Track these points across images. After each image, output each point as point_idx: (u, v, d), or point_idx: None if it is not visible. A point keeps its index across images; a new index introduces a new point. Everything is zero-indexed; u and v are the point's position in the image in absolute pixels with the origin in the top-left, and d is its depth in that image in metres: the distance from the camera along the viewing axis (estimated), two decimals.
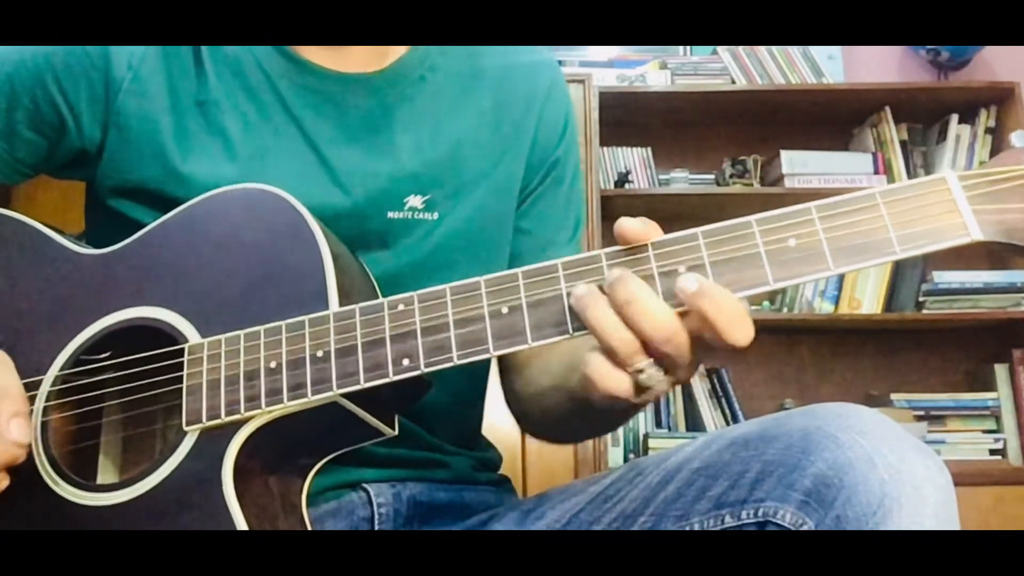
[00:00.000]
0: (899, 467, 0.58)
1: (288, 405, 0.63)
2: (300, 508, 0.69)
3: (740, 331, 0.55)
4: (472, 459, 0.88)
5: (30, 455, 0.67)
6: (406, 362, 0.61)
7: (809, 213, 0.58)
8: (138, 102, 0.78)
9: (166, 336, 0.68)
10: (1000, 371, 2.62)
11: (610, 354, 0.56)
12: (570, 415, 0.76)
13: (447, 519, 0.82)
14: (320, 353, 0.63)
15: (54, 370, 0.70)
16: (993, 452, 2.54)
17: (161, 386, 0.68)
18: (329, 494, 0.78)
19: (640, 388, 0.57)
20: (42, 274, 0.74)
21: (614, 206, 2.66)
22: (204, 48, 0.80)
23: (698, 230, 0.59)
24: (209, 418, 0.64)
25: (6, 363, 0.68)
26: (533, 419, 0.86)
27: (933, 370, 2.73)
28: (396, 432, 0.71)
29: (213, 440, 0.64)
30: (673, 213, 2.77)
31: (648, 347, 0.56)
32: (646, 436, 2.56)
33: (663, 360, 0.57)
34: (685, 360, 0.57)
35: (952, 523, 0.59)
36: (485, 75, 0.90)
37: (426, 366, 0.61)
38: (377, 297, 0.72)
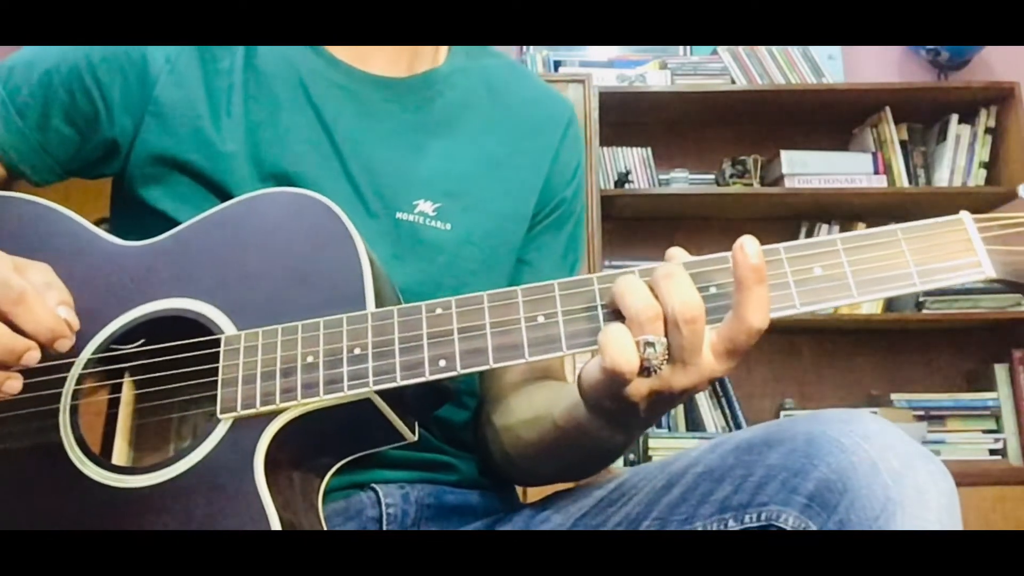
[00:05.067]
0: (902, 472, 0.58)
1: (324, 398, 0.64)
2: (317, 507, 0.70)
3: (759, 312, 0.58)
4: (478, 463, 0.88)
5: (58, 432, 0.68)
6: (442, 363, 0.63)
7: (835, 244, 0.61)
8: (176, 91, 0.81)
9: (201, 328, 0.69)
10: (1000, 371, 2.62)
11: (629, 320, 0.58)
12: (544, 448, 0.77)
13: (454, 521, 0.82)
14: (357, 351, 0.64)
15: (86, 353, 0.71)
16: (993, 452, 2.55)
17: (194, 375, 0.68)
18: (338, 493, 0.78)
19: (642, 368, 0.58)
20: (82, 264, 0.75)
21: (614, 206, 2.66)
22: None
23: (729, 255, 0.60)
24: (244, 407, 0.65)
25: (50, 269, 0.69)
26: (500, 450, 0.85)
27: (933, 370, 2.73)
28: (416, 438, 0.72)
29: (246, 429, 0.65)
30: (673, 213, 2.77)
31: (667, 324, 0.58)
32: (646, 436, 2.56)
33: (673, 344, 0.58)
34: (695, 353, 0.59)
35: (956, 526, 0.59)
36: (505, 103, 0.91)
37: (462, 368, 0.62)
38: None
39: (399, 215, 0.82)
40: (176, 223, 0.76)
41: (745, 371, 2.73)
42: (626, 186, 2.70)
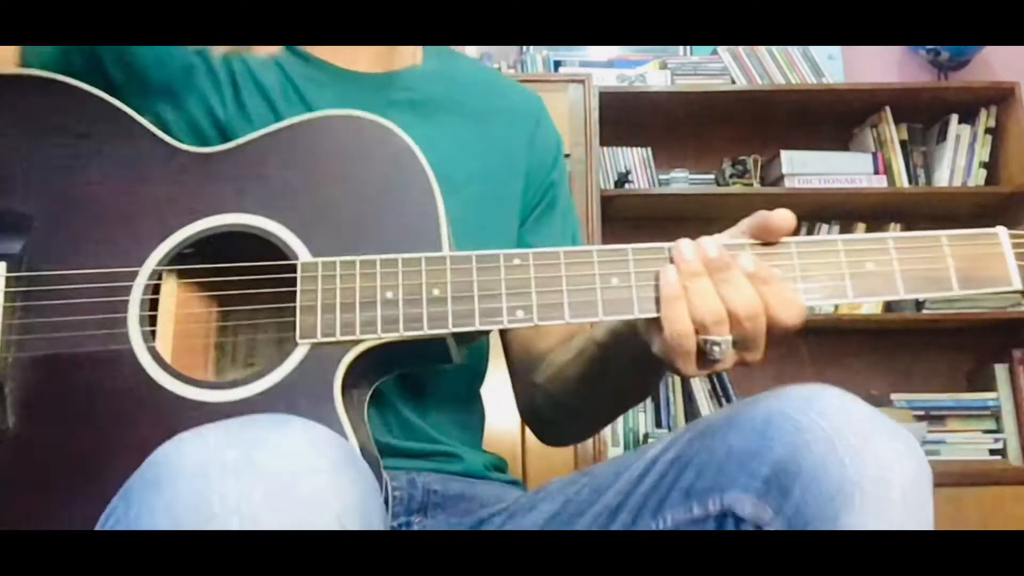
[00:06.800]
0: (862, 450, 0.56)
1: (404, 335, 0.67)
2: (365, 421, 0.71)
3: (790, 312, 0.65)
4: (483, 459, 0.90)
5: (127, 341, 0.68)
6: (520, 314, 0.66)
7: (886, 243, 0.68)
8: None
9: (268, 245, 0.70)
10: (1000, 371, 2.62)
11: (695, 320, 0.63)
12: (591, 375, 0.82)
13: (458, 509, 0.83)
14: (436, 292, 0.67)
15: (150, 264, 0.71)
16: (993, 452, 2.55)
17: (268, 298, 0.70)
18: None
19: (705, 359, 0.63)
20: (145, 167, 0.74)
21: (614, 206, 2.66)
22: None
23: (792, 240, 0.69)
24: (324, 335, 0.67)
25: None
26: (549, 403, 0.90)
27: (933, 370, 2.73)
28: (461, 361, 0.74)
29: (323, 356, 0.67)
30: (673, 213, 2.77)
31: (731, 321, 0.63)
32: (646, 436, 2.56)
33: (739, 337, 0.63)
34: (759, 343, 0.64)
35: (923, 509, 0.56)
36: (477, 99, 0.96)
37: (539, 320, 0.66)
38: None
39: None
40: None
41: (745, 371, 2.71)
42: (626, 186, 2.69)
